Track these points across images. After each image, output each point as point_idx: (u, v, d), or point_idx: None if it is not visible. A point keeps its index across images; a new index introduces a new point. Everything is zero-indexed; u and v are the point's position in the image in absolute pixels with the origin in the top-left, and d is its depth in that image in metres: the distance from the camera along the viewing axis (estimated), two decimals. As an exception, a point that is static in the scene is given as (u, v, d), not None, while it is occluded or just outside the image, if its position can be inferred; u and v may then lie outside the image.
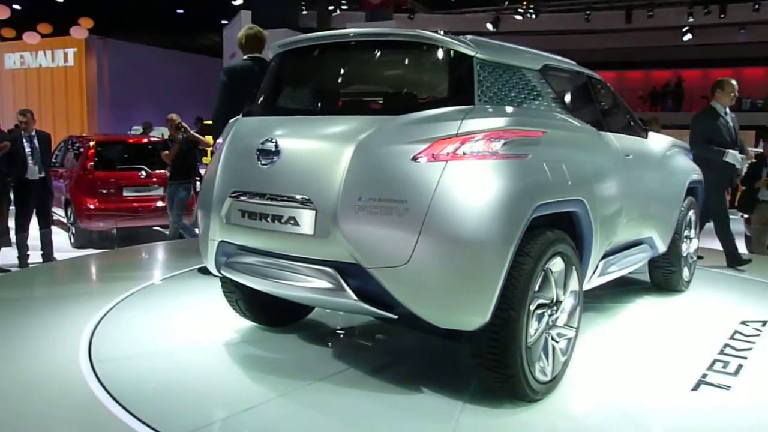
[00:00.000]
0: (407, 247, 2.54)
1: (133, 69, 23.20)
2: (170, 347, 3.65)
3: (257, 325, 3.88)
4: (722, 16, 21.91)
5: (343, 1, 23.36)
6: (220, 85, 4.70)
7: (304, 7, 23.71)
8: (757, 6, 21.01)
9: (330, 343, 3.78)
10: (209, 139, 8.40)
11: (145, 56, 24.00)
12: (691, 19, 22.59)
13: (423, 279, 2.56)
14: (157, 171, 9.33)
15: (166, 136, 8.73)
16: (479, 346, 2.72)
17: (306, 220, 2.77)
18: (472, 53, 2.88)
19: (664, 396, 3.08)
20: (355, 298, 2.69)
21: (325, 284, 2.75)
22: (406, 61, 3.07)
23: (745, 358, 3.62)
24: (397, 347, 3.82)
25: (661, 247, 4.56)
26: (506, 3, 22.34)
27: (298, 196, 2.80)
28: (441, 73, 2.90)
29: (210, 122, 4.91)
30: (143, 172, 9.40)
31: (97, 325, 3.95)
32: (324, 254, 2.75)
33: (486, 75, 2.90)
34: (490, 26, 24.14)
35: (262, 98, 3.46)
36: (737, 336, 4.02)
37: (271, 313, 3.77)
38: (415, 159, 2.63)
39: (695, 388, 3.18)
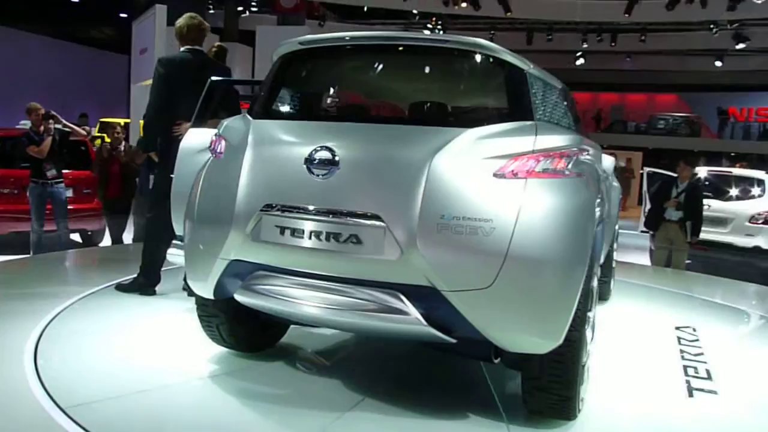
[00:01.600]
0: (492, 269, 2.40)
1: (21, 59, 21.49)
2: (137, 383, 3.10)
3: (231, 352, 3.48)
4: (613, 44, 23.52)
5: (252, 3, 22.84)
6: (157, 78, 4.38)
7: (211, 6, 22.96)
8: (643, 37, 22.71)
9: (325, 370, 3.48)
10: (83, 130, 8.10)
11: (33, 46, 22.30)
12: (585, 45, 24.07)
13: (505, 302, 2.42)
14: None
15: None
16: (539, 368, 2.62)
17: (371, 238, 2.49)
18: (525, 67, 2.84)
19: (670, 404, 3.22)
20: (424, 323, 2.46)
21: (383, 309, 2.49)
22: (463, 71, 3.00)
23: (706, 362, 3.86)
24: (394, 367, 3.64)
25: (602, 258, 4.76)
26: (417, 17, 22.73)
27: (365, 213, 2.52)
28: (500, 86, 2.83)
29: (143, 118, 4.62)
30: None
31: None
32: (390, 276, 2.50)
33: (535, 90, 2.87)
34: (398, 39, 24.49)
35: (292, 98, 3.18)
36: (683, 342, 4.29)
37: (251, 338, 3.43)
38: (495, 175, 2.51)
39: (690, 395, 3.35)
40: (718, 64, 24.52)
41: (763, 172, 9.94)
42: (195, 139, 3.94)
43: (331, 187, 2.60)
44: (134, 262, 4.94)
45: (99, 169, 8.36)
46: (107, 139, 9.28)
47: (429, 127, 2.72)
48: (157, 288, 4.68)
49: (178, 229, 3.92)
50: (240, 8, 23.08)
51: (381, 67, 3.18)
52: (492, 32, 24.31)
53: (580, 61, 25.76)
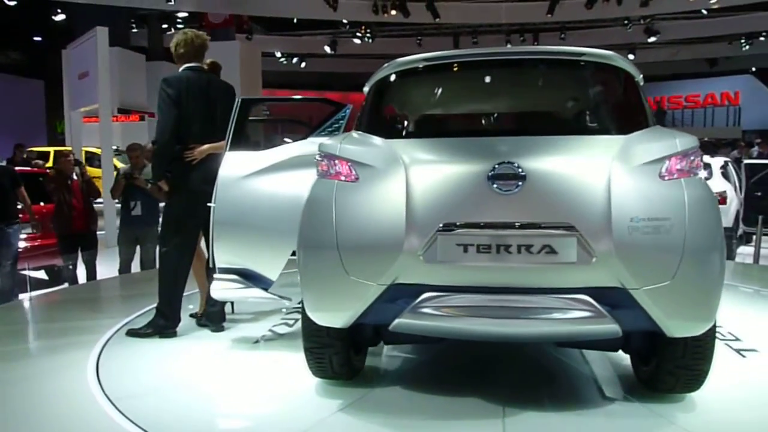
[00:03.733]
0: (673, 264, 2.58)
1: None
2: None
3: (334, 384, 3.34)
4: (535, 43, 24.44)
5: (179, 20, 22.28)
6: (166, 100, 4.07)
7: (134, 25, 22.25)
8: (563, 35, 23.74)
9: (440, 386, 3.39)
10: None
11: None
12: (509, 46, 24.90)
13: (682, 293, 2.60)
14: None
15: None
16: (683, 349, 2.84)
17: (565, 246, 2.58)
18: (637, 76, 3.03)
19: (741, 367, 3.58)
20: (616, 323, 2.59)
21: (580, 314, 2.59)
22: (595, 81, 3.13)
23: (721, 326, 4.21)
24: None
25: None
26: (347, 26, 22.86)
27: (558, 223, 2.59)
28: (623, 94, 3.02)
29: (154, 143, 4.36)
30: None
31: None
32: (581, 281, 2.61)
33: (645, 97, 3.09)
34: (327, 49, 24.56)
35: (424, 116, 3.18)
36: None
37: (355, 365, 3.38)
38: (661, 176, 2.69)
39: (742, 356, 3.81)
40: (631, 57, 25.95)
41: (707, 156, 10.63)
42: (237, 163, 3.78)
43: (520, 200, 2.63)
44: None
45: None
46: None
47: (599, 136, 2.87)
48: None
49: (222, 261, 3.76)
50: (165, 26, 22.45)
51: (516, 80, 3.26)
52: (419, 38, 24.83)
53: (504, 61, 26.61)
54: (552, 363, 3.67)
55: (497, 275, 2.65)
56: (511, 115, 3.44)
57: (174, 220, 4.21)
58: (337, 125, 3.75)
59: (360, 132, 3.18)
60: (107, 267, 7.71)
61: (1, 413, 3.09)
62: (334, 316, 2.91)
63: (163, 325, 4.25)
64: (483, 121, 3.30)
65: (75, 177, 7.38)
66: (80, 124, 13.63)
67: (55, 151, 16.00)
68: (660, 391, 3.07)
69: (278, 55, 25.38)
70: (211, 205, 3.76)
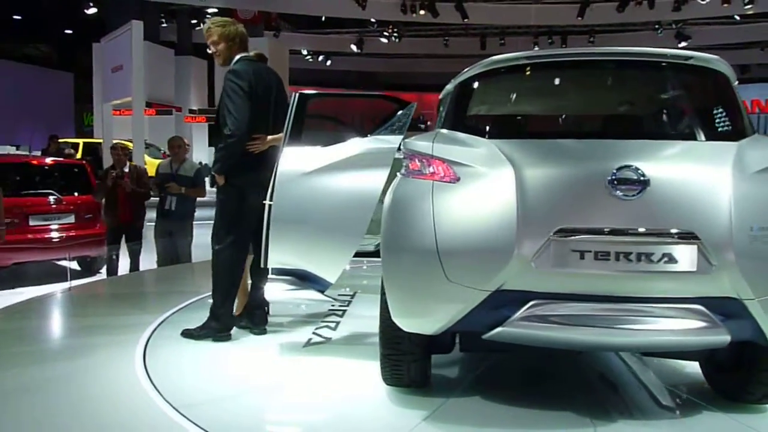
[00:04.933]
0: None
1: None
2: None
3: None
4: (564, 45, 24.24)
5: (208, 15, 22.37)
6: (237, 92, 3.85)
7: (164, 20, 22.41)
8: (592, 38, 23.52)
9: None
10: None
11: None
12: (536, 48, 24.75)
13: None
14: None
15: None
16: None
17: (686, 255, 2.48)
18: (734, 81, 2.97)
19: None
20: (728, 334, 2.52)
21: (695, 324, 2.51)
22: (699, 84, 3.07)
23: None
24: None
25: None
26: (375, 25, 22.84)
27: (680, 231, 2.50)
28: (729, 99, 2.97)
29: (228, 137, 3.87)
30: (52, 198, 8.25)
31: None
32: (698, 291, 2.52)
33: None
34: (354, 47, 24.57)
35: (544, 116, 3.14)
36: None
37: (428, 373, 3.24)
38: None
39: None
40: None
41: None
42: (296, 159, 3.63)
43: (640, 206, 2.52)
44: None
45: (104, 195, 7.87)
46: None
47: (714, 142, 2.81)
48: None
49: (276, 261, 3.63)
50: (193, 21, 22.59)
51: (622, 81, 3.19)
52: (446, 38, 24.75)
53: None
54: (619, 370, 3.58)
55: (613, 284, 2.55)
56: (620, 117, 3.29)
57: (229, 216, 4.01)
58: (400, 123, 3.62)
59: (450, 131, 3.03)
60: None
61: (57, 412, 3.05)
62: (425, 323, 2.78)
63: (217, 328, 4.06)
64: (593, 123, 3.18)
65: (126, 170, 7.38)
66: (111, 117, 13.72)
67: (114, 144, 16.20)
68: (744, 401, 2.98)
69: (304, 52, 25.42)
70: (268, 202, 3.62)
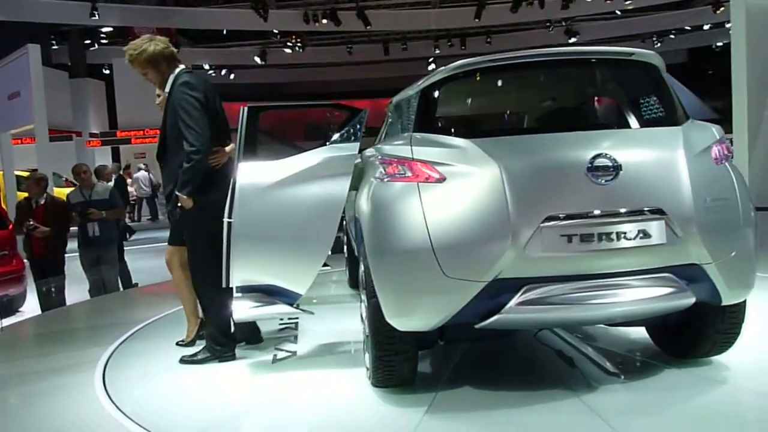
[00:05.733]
0: (735, 239, 2.90)
1: None
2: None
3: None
4: (463, 47, 25.06)
5: (102, 35, 21.52)
6: (195, 105, 3.68)
7: (54, 42, 21.31)
8: (489, 39, 24.46)
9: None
10: None
11: None
12: (437, 51, 25.42)
13: (739, 264, 2.90)
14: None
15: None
16: (722, 316, 3.12)
17: (656, 230, 2.77)
18: (664, 71, 3.26)
19: None
20: (693, 296, 2.83)
21: (665, 290, 2.80)
22: (642, 77, 3.31)
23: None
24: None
25: None
26: (278, 36, 22.71)
27: (650, 208, 2.78)
28: (665, 89, 3.25)
29: (193, 153, 3.66)
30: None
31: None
32: (667, 260, 2.81)
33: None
34: (258, 59, 24.33)
35: (524, 113, 3.30)
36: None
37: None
38: (715, 160, 2.99)
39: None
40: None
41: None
42: (253, 173, 3.58)
43: (616, 189, 2.77)
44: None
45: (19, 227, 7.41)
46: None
47: (663, 128, 3.10)
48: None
49: (240, 279, 3.58)
50: (87, 41, 21.65)
51: (578, 78, 3.44)
52: (349, 46, 24.96)
53: (432, 66, 27.14)
54: (570, 345, 3.79)
55: (597, 262, 2.78)
56: (583, 110, 3.52)
57: (207, 237, 3.78)
58: (354, 131, 3.66)
59: (422, 134, 3.15)
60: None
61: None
62: (423, 320, 2.88)
63: (220, 349, 3.92)
64: (560, 118, 3.38)
65: (42, 201, 6.89)
66: (10, 147, 12.95)
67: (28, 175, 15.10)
68: (693, 356, 3.34)
69: (206, 67, 24.91)
70: (227, 219, 3.57)
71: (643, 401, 3.00)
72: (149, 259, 9.27)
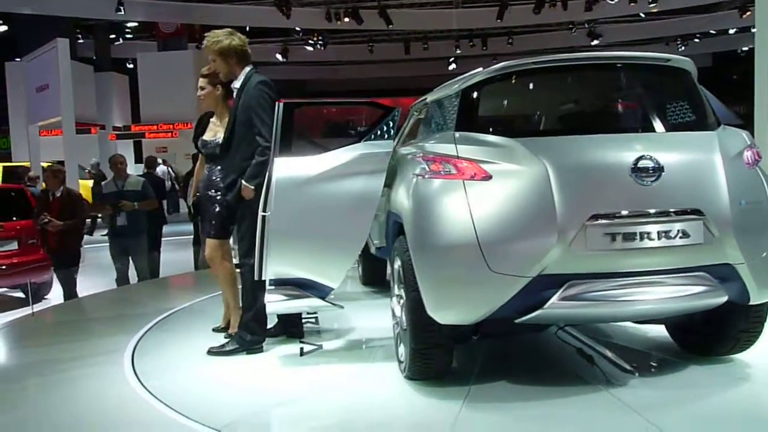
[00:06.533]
0: (766, 239, 3.00)
1: None
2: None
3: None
4: (484, 48, 25.02)
5: (128, 29, 21.80)
6: (270, 103, 3.80)
7: (80, 36, 21.61)
8: (510, 40, 24.40)
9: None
10: None
11: None
12: (458, 51, 25.40)
13: None
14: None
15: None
16: (746, 315, 3.20)
17: (695, 230, 2.88)
18: (696, 78, 3.35)
19: None
20: (726, 295, 2.92)
21: (700, 288, 2.91)
22: (680, 83, 3.40)
23: None
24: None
25: None
26: (301, 34, 22.83)
27: (690, 209, 2.89)
28: (699, 95, 3.35)
29: (266, 148, 3.77)
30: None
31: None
32: (702, 260, 2.91)
33: None
34: (279, 56, 24.47)
35: (566, 114, 3.42)
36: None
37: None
38: (747, 165, 3.08)
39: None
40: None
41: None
42: (291, 169, 3.65)
43: (659, 190, 2.88)
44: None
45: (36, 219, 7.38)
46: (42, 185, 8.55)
47: (701, 132, 3.18)
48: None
49: (274, 272, 3.64)
50: (112, 36, 21.92)
51: (620, 82, 3.50)
52: (370, 45, 25.03)
53: (452, 66, 27.14)
54: (588, 343, 3.84)
55: (638, 260, 2.89)
56: (622, 113, 3.58)
57: (254, 231, 3.80)
58: (388, 128, 3.75)
59: (465, 132, 3.21)
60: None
61: None
62: (466, 313, 2.97)
63: (251, 340, 3.99)
64: (603, 120, 3.46)
65: (58, 194, 6.92)
66: (38, 138, 13.18)
67: (6, 167, 15.42)
68: (715, 354, 3.41)
69: (229, 63, 25.09)
70: (264, 213, 3.63)
71: (670, 397, 3.07)
72: (169, 251, 9.41)
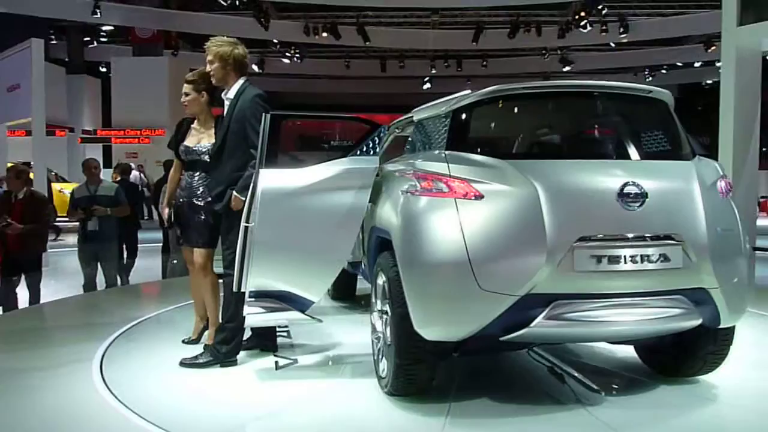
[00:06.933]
0: (738, 266, 3.17)
1: None
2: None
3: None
4: (459, 69, 25.38)
5: (102, 33, 21.57)
6: (261, 116, 3.75)
7: (53, 37, 21.31)
8: (485, 63, 24.80)
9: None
10: None
11: None
12: (434, 71, 25.72)
13: (739, 289, 3.17)
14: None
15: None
16: (714, 338, 3.35)
17: (675, 254, 3.00)
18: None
19: None
20: (700, 318, 3.05)
21: (678, 311, 3.04)
22: (659, 113, 3.54)
23: None
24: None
25: None
26: (278, 46, 22.88)
27: (671, 234, 3.02)
28: (676, 125, 3.50)
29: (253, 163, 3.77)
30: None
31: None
32: (680, 284, 3.04)
33: None
34: (255, 67, 24.44)
35: (550, 139, 3.52)
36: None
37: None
38: (721, 193, 3.22)
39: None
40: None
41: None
42: (277, 181, 3.63)
43: (642, 215, 2.99)
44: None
45: None
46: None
47: (679, 161, 3.32)
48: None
49: (255, 284, 3.62)
50: (86, 39, 21.68)
51: (605, 109, 3.62)
52: (347, 60, 25.19)
53: (427, 85, 27.45)
54: (560, 361, 3.88)
55: (622, 282, 3.00)
56: (607, 140, 3.70)
57: (236, 242, 3.79)
58: (373, 145, 3.80)
59: (455, 152, 3.27)
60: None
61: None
62: (453, 330, 3.02)
63: (226, 352, 3.95)
64: (588, 145, 3.58)
65: (21, 195, 6.60)
66: (5, 138, 12.94)
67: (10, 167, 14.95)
68: (683, 375, 3.56)
69: (204, 72, 24.98)
70: (247, 224, 3.61)
71: (642, 417, 3.18)
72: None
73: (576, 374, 3.63)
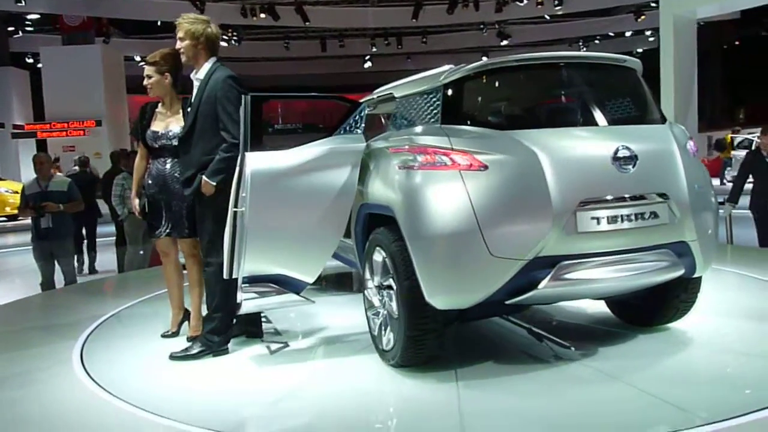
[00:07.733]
0: (711, 220, 3.44)
1: None
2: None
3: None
4: (399, 47, 25.41)
5: (28, 22, 20.55)
6: (237, 98, 3.68)
7: (-27, 28, 20.23)
8: (424, 39, 24.92)
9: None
10: None
11: None
12: (374, 49, 25.68)
13: (711, 241, 3.44)
14: None
15: None
16: (685, 287, 3.61)
17: (663, 211, 3.23)
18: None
19: None
20: (684, 269, 3.28)
21: (666, 263, 3.26)
22: (636, 81, 3.69)
23: None
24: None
25: None
26: (215, 30, 22.30)
27: (659, 192, 3.24)
28: (647, 91, 3.70)
29: (234, 145, 3.67)
30: None
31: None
32: (667, 238, 3.26)
33: None
34: (192, 52, 23.81)
35: (542, 109, 3.64)
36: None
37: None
38: (692, 154, 3.48)
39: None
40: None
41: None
42: (265, 164, 3.57)
43: (635, 176, 3.19)
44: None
45: None
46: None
47: (657, 125, 3.53)
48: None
49: (249, 270, 3.59)
50: (11, 28, 20.63)
51: (591, 79, 3.69)
52: (286, 41, 24.87)
53: (368, 64, 27.41)
54: (537, 321, 4.09)
55: (620, 240, 3.18)
56: (595, 107, 3.71)
57: (220, 225, 3.73)
58: (355, 123, 3.79)
59: (451, 126, 3.33)
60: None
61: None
62: (464, 297, 3.13)
63: (218, 342, 3.86)
64: (579, 113, 3.66)
65: None
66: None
67: None
68: (656, 324, 3.84)
69: (137, 59, 24.17)
70: (237, 209, 3.56)
71: (627, 366, 3.34)
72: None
73: (549, 336, 3.78)
